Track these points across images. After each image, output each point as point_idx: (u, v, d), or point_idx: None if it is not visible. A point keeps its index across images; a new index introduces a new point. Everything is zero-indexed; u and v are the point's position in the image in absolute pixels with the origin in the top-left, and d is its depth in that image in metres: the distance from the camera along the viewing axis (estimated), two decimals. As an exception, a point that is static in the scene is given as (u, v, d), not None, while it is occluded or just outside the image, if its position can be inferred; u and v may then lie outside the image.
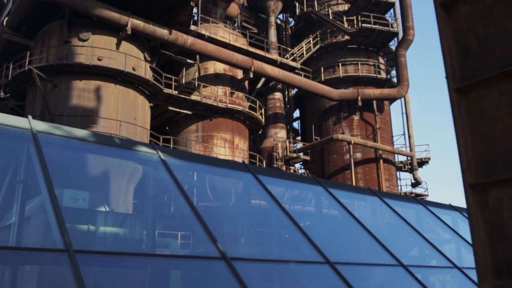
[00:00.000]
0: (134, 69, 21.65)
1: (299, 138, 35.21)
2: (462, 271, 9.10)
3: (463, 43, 3.17)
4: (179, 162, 7.99)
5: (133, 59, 22.00)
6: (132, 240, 6.98)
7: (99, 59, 20.91)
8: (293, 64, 30.39)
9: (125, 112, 21.51)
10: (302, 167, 33.81)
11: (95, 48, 21.15)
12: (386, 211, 10.94)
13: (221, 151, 25.98)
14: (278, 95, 32.37)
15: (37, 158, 6.19)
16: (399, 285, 8.46)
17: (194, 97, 25.14)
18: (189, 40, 23.10)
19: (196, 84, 25.59)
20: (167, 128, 27.39)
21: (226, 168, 9.03)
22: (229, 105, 26.30)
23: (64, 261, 4.86)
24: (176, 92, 24.21)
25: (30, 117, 6.77)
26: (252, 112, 27.44)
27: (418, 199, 14.63)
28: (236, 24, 31.09)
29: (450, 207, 13.24)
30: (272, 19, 32.11)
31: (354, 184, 29.56)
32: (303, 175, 15.49)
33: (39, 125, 6.70)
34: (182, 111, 25.45)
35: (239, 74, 27.99)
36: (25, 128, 6.52)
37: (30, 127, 6.54)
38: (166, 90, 23.83)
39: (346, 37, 32.63)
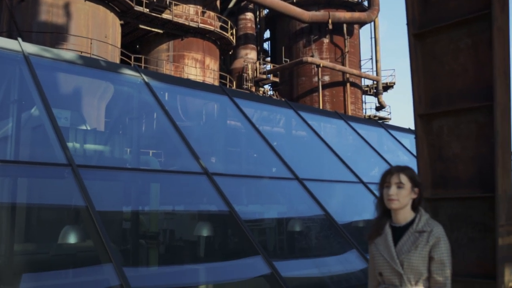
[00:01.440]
0: (104, -15, 21.15)
1: (269, 59, 35.45)
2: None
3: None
4: (161, 85, 8.49)
5: (102, -26, 21.42)
6: (124, 156, 7.63)
7: (67, -27, 20.29)
8: (265, -17, 29.96)
9: (96, 30, 21.26)
10: (271, 88, 34.40)
11: (62, -39, 20.43)
12: (350, 134, 11.84)
13: (192, 71, 26.18)
14: (249, 15, 32.14)
15: (31, 79, 6.61)
16: (359, 199, 9.52)
17: (166, 15, 24.86)
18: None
19: (167, 2, 25.19)
20: (137, 46, 27.19)
21: (205, 91, 9.59)
22: (201, 25, 26.15)
23: (68, 174, 5.50)
24: (148, 10, 23.87)
25: (20, 39, 7.07)
26: (223, 33, 27.40)
27: (380, 122, 15.62)
28: None
29: (409, 131, 14.26)
30: None
31: (321, 106, 30.52)
32: (276, 99, 16.15)
33: (30, 48, 7.03)
34: (153, 29, 25.22)
35: (211, -8, 27.56)
36: (17, 50, 6.85)
37: (21, 49, 6.88)
38: (137, 8, 23.46)
39: (320, -43, 32.12)
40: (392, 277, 2.57)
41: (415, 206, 2.66)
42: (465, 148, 3.74)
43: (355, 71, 32.11)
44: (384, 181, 2.67)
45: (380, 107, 36.10)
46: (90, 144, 8.11)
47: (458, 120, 3.76)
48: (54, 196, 5.75)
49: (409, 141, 13.65)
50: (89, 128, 9.10)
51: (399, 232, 2.61)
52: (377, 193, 8.88)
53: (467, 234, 3.60)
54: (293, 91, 32.56)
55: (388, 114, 37.01)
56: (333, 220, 7.50)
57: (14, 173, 5.75)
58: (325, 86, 31.76)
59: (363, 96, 35.22)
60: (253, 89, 30.96)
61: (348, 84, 32.10)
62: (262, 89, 32.66)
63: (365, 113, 36.00)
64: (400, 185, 2.60)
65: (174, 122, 7.59)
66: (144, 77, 8.20)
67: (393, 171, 2.66)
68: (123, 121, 8.97)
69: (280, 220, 8.39)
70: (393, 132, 13.56)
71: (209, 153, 8.10)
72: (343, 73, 31.60)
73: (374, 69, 35.43)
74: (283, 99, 15.06)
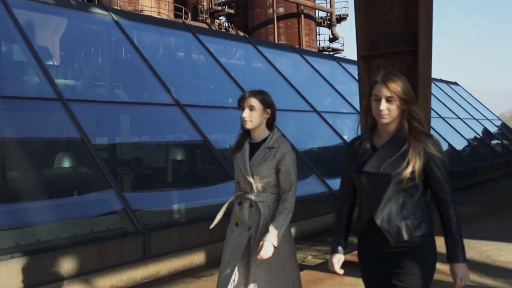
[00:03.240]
0: None
1: (224, -10, 35.12)
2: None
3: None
4: (130, 23, 9.02)
5: None
6: (102, 90, 8.27)
7: None
8: None
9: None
10: (226, 20, 34.41)
11: None
12: (305, 67, 12.75)
13: (146, 3, 25.94)
14: None
15: (9, 18, 7.03)
16: (314, 127, 10.63)
17: None
18: None
19: None
20: (89, -24, 26.48)
21: (170, 28, 10.17)
22: (154, -46, 25.65)
23: (59, 107, 6.19)
24: None
25: (-6, -21, 7.39)
26: (178, -37, 26.96)
27: (333, 56, 16.57)
28: None
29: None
30: None
31: (276, 38, 30.99)
32: (236, 35, 16.66)
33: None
34: (105, -41, 24.57)
35: None
36: (-9, -10, 7.19)
37: (-4, -11, 7.22)
38: None
39: None
40: (245, 185, 2.84)
41: (269, 125, 2.91)
42: (396, 83, 4.75)
43: (309, 3, 32.48)
44: (239, 105, 2.88)
45: (333, 38, 36.94)
46: (65, 79, 8.62)
47: (392, 61, 4.75)
48: (49, 129, 6.44)
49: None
50: (57, 64, 9.54)
51: (255, 148, 2.87)
52: (330, 121, 10.03)
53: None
54: (248, 23, 32.73)
55: (341, 46, 37.99)
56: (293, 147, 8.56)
57: (12, 108, 6.26)
58: (280, 18, 32.07)
59: (317, 27, 35.85)
60: (209, 20, 30.94)
61: (302, 16, 32.53)
62: (218, 20, 32.65)
63: (319, 44, 36.78)
64: (252, 108, 2.81)
65: (146, 58, 8.25)
66: (113, 15, 8.71)
67: (246, 95, 2.86)
68: (94, 57, 9.47)
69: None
70: (345, 65, 14.55)
71: (178, 86, 8.85)
72: (297, 4, 31.93)
73: (328, 0, 35.89)
74: (243, 35, 15.65)
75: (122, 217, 5.42)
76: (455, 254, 2.17)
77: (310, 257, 6.00)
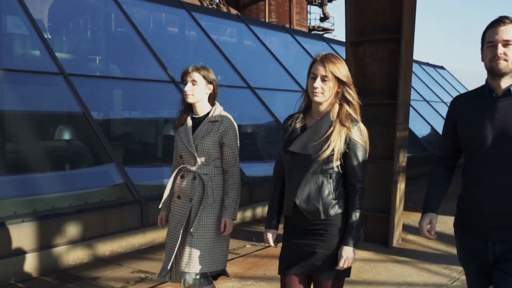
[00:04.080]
0: None
1: (215, -35, 34.88)
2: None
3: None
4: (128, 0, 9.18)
5: None
6: (102, 66, 8.48)
7: None
8: None
9: None
10: (218, -4, 34.24)
11: None
12: (295, 47, 13.02)
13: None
14: None
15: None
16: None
17: None
18: None
19: None
20: None
21: (166, 5, 10.36)
22: None
23: (61, 82, 6.45)
24: None
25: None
26: None
27: (323, 37, 16.83)
28: None
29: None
30: None
31: (267, 16, 31.03)
32: (230, 13, 16.82)
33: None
34: None
35: None
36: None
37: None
38: None
39: None
40: (189, 158, 2.87)
41: (211, 100, 2.94)
42: (380, 68, 5.13)
43: (301, -19, 32.46)
44: (182, 79, 2.91)
45: (324, 18, 37.02)
46: (65, 53, 8.68)
47: (377, 47, 5.10)
48: (51, 102, 6.71)
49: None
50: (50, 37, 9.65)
51: (197, 122, 2.89)
52: None
53: (377, 130, 5.09)
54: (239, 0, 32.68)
55: (332, 25, 38.13)
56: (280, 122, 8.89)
57: (16, 80, 6.46)
58: (272, -5, 32.06)
59: (308, 6, 35.87)
60: (200, -5, 30.85)
61: (294, -6, 32.55)
62: (209, -4, 32.51)
63: (310, 23, 36.87)
64: (194, 83, 2.83)
65: (144, 37, 8.47)
66: (110, -10, 8.87)
67: (189, 70, 2.88)
68: (92, 32, 9.60)
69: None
70: (334, 46, 14.84)
71: (173, 63, 9.11)
72: (289, -18, 31.87)
73: (320, -21, 35.83)
74: (237, 13, 15.83)
75: (123, 188, 5.77)
76: (346, 238, 2.26)
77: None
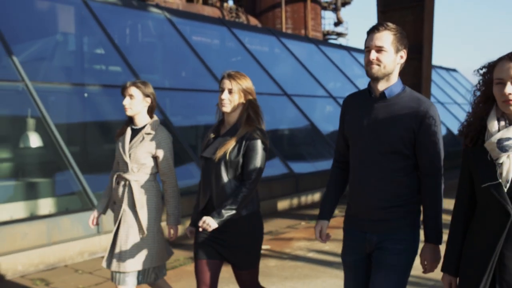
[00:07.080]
0: None
1: (233, -26, 36.12)
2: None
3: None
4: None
5: None
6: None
7: None
8: None
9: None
10: (234, 3, 35.47)
11: None
12: (321, 57, 14.01)
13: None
14: None
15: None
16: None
17: None
18: None
19: None
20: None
21: (209, 23, 11.61)
22: None
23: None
24: None
25: None
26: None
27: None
28: None
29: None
30: None
31: (283, 22, 32.16)
32: (259, 27, 17.79)
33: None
34: None
35: None
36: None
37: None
38: None
39: None
40: (123, 166, 3.01)
41: (150, 112, 3.07)
42: (407, 80, 6.46)
43: (316, -12, 33.56)
44: (122, 93, 3.01)
45: (338, 22, 38.18)
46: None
47: (404, 65, 6.43)
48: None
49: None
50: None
51: (135, 133, 3.02)
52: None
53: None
54: (256, 6, 33.78)
55: (346, 30, 39.29)
56: (318, 130, 10.05)
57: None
58: (287, 2, 33.22)
59: (322, 12, 37.04)
60: (218, 4, 32.13)
61: (308, 0, 33.72)
62: (226, 4, 33.78)
63: (324, 28, 38.05)
64: (131, 97, 2.95)
65: (196, 51, 9.75)
66: None
67: (126, 85, 3.00)
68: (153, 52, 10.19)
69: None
70: (354, 54, 15.53)
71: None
72: (305, -10, 32.97)
73: (334, -15, 36.98)
74: (264, 26, 16.79)
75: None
76: (213, 215, 2.47)
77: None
